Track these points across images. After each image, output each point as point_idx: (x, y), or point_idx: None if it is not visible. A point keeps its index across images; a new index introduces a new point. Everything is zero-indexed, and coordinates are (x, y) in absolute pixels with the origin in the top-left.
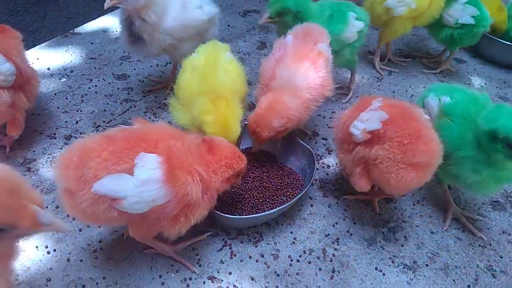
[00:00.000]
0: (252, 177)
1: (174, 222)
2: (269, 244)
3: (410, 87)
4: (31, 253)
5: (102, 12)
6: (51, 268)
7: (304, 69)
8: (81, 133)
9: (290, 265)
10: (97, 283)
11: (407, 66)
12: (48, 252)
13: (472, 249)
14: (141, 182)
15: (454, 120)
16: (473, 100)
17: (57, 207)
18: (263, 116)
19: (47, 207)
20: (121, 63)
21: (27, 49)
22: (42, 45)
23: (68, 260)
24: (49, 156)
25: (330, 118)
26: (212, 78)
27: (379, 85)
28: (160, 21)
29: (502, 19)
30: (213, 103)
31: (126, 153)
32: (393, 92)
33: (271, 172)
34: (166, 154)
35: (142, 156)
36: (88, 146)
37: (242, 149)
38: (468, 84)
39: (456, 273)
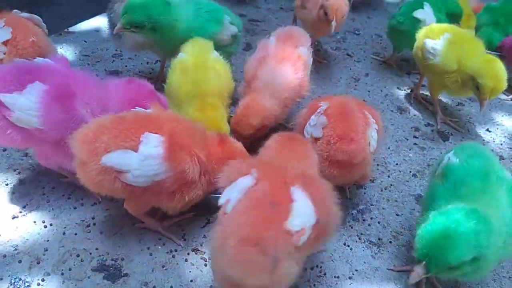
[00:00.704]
0: None
1: (172, 197)
2: None
3: (385, 87)
4: (29, 227)
5: (95, 12)
6: (47, 240)
7: (283, 70)
8: None
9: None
10: (90, 253)
11: (383, 68)
12: (45, 226)
13: None
14: (144, 157)
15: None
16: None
17: (53, 187)
18: (242, 117)
19: (44, 188)
20: (113, 60)
21: None
22: None
23: (64, 233)
24: None
25: None
26: (203, 81)
27: (355, 85)
28: None
29: (470, 25)
30: (202, 109)
31: (133, 132)
32: (368, 91)
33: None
34: (169, 135)
35: (147, 135)
36: (101, 124)
37: None
38: None
39: None
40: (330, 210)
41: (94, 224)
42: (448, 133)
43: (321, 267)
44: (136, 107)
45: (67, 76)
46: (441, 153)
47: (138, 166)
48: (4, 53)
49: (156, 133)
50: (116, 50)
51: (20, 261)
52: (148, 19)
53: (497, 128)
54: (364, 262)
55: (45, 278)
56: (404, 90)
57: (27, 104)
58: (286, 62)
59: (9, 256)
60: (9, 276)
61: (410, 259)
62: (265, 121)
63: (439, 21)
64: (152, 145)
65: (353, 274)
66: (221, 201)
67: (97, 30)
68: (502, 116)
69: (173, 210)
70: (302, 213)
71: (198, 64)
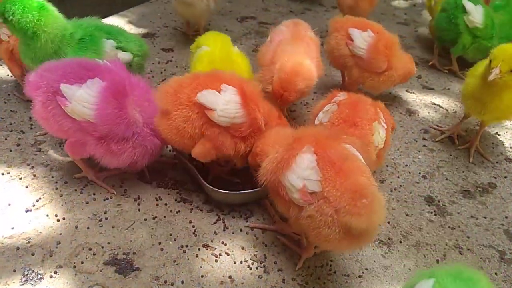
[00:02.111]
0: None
1: (244, 141)
2: (259, 220)
3: (394, 89)
4: (42, 220)
5: (106, 14)
6: (60, 234)
7: (304, 46)
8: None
9: (277, 238)
10: (102, 247)
11: None
12: (58, 220)
13: (442, 230)
14: (226, 101)
15: None
16: None
17: (66, 182)
18: (289, 81)
19: (56, 182)
20: None
21: None
22: None
23: (76, 227)
24: (57, 139)
25: None
26: None
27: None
28: None
29: None
30: None
31: (209, 83)
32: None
33: None
34: (240, 88)
35: (225, 85)
36: (180, 80)
37: None
38: (448, 89)
39: (426, 249)
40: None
41: (106, 218)
42: (457, 135)
43: (330, 266)
44: None
45: (123, 78)
46: (450, 155)
47: (223, 107)
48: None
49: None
50: None
51: (33, 254)
52: (10, 12)
53: (506, 132)
54: (374, 261)
55: (57, 271)
56: (413, 92)
57: (84, 96)
58: (304, 41)
59: (22, 248)
60: (22, 268)
61: (420, 258)
62: (311, 83)
63: None
64: (231, 92)
65: (363, 272)
66: (298, 184)
67: None
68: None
69: (240, 160)
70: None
71: (224, 57)
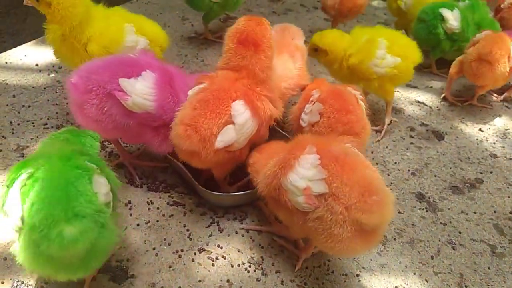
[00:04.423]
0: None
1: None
2: (253, 222)
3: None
4: None
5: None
6: None
7: (285, 57)
8: (72, 124)
9: (273, 239)
10: None
11: None
12: None
13: (435, 226)
14: (241, 126)
15: None
16: None
17: None
18: None
19: None
20: None
21: (8, 50)
22: (29, 43)
23: None
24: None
25: None
26: None
27: None
28: None
29: None
30: None
31: (220, 107)
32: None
33: None
34: (243, 96)
35: (233, 106)
36: (192, 113)
37: None
38: (431, 87)
39: (420, 246)
40: None
41: None
42: (443, 132)
43: (328, 265)
44: None
45: (164, 67)
46: (437, 152)
47: (240, 135)
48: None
49: (234, 100)
50: None
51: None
52: None
53: (489, 128)
54: (371, 260)
55: (48, 281)
56: (398, 91)
57: (143, 88)
58: (285, 50)
59: (10, 259)
60: (11, 279)
61: (415, 255)
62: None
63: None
64: (241, 111)
65: (360, 271)
66: (301, 184)
67: None
68: (493, 116)
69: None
70: None
71: None
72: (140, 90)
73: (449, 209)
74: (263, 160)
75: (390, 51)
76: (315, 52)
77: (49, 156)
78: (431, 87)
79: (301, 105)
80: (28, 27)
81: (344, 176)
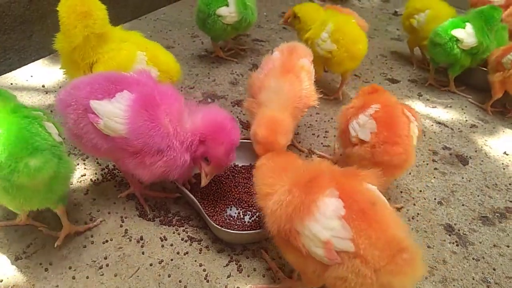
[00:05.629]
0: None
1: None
2: (274, 259)
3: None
4: (35, 270)
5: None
6: (57, 286)
7: (289, 82)
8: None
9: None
10: None
11: (392, 89)
12: (52, 269)
13: (467, 262)
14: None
15: None
16: None
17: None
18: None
19: (49, 223)
20: None
21: (14, 68)
22: (35, 62)
23: (74, 277)
24: None
25: (324, 137)
26: None
27: None
28: None
29: None
30: None
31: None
32: None
33: None
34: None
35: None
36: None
37: (240, 166)
38: (450, 107)
39: (454, 285)
40: None
41: (107, 265)
42: (467, 156)
43: None
44: None
45: (152, 88)
46: (463, 178)
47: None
48: None
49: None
50: None
51: None
52: None
53: None
54: None
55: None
56: (417, 112)
57: (115, 111)
58: (290, 73)
59: None
60: None
61: None
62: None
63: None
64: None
65: None
66: (323, 235)
67: None
68: None
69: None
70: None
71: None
72: (111, 113)
73: (480, 242)
74: (268, 172)
75: (332, 36)
76: (294, 18)
77: None
78: (451, 107)
79: (356, 110)
80: (34, 44)
81: (372, 236)
